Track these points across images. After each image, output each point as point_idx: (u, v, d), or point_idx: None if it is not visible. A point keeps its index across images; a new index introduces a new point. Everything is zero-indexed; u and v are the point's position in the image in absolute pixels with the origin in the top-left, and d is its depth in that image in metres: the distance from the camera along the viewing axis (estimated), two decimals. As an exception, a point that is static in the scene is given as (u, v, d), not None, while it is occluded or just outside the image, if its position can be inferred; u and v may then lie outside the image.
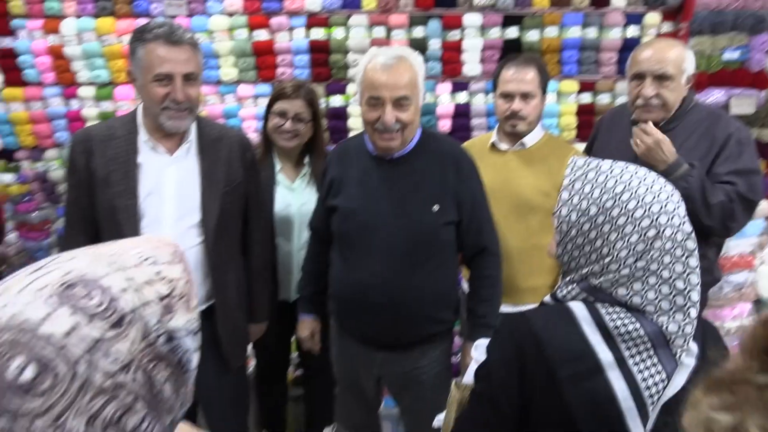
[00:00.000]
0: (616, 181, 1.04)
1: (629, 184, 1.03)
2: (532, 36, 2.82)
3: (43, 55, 2.94)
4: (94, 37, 2.90)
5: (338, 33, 2.87)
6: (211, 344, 1.84)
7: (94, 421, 0.53)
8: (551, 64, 2.84)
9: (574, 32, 2.80)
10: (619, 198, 1.01)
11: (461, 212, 1.80)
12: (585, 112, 2.89)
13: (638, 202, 1.00)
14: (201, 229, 1.76)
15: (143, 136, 1.74)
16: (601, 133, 2.28)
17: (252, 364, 2.70)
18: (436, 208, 1.77)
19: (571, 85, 2.87)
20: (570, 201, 1.08)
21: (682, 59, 1.92)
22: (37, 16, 2.93)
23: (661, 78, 1.92)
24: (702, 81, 2.70)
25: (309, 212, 2.23)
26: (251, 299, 2.02)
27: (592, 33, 2.80)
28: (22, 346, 0.51)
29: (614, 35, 2.78)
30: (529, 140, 2.16)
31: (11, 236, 3.10)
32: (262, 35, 2.89)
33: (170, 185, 1.73)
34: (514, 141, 2.17)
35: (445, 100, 2.93)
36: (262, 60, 2.93)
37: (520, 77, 2.07)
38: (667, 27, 2.78)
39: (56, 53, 2.93)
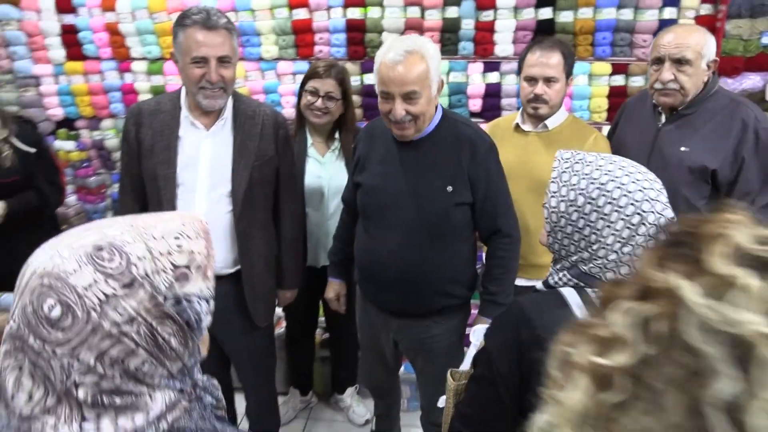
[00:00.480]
0: (602, 173, 1.12)
1: (614, 174, 1.11)
2: (565, 17, 2.83)
3: (100, 32, 3.16)
4: (147, 14, 3.09)
5: (374, 12, 2.96)
6: (238, 305, 2.02)
7: (102, 357, 0.66)
8: (584, 45, 2.85)
9: (609, 13, 2.79)
10: (605, 188, 1.09)
11: (475, 194, 1.88)
12: (617, 95, 2.89)
13: (623, 192, 1.08)
14: (231, 199, 1.92)
15: (185, 112, 1.91)
16: (625, 116, 2.31)
17: (283, 326, 2.91)
18: (449, 189, 1.85)
19: (604, 67, 2.87)
20: (558, 192, 1.16)
21: (702, 44, 1.93)
22: (95, -5, 3.14)
23: (679, 62, 1.94)
24: (738, 65, 2.66)
25: (337, 184, 2.38)
26: (280, 267, 2.18)
27: (627, 14, 2.79)
28: (55, 291, 0.65)
29: (650, 17, 2.76)
30: (552, 122, 2.20)
31: (71, 199, 3.39)
32: (301, 14, 3.01)
33: (205, 157, 1.89)
34: (537, 123, 2.22)
35: (477, 80, 2.99)
36: (301, 38, 3.05)
37: (544, 61, 2.11)
38: (705, 9, 2.73)
39: (112, 30, 3.14)
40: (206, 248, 0.77)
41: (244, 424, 2.56)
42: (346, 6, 2.98)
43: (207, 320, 0.78)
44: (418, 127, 1.82)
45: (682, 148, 2.02)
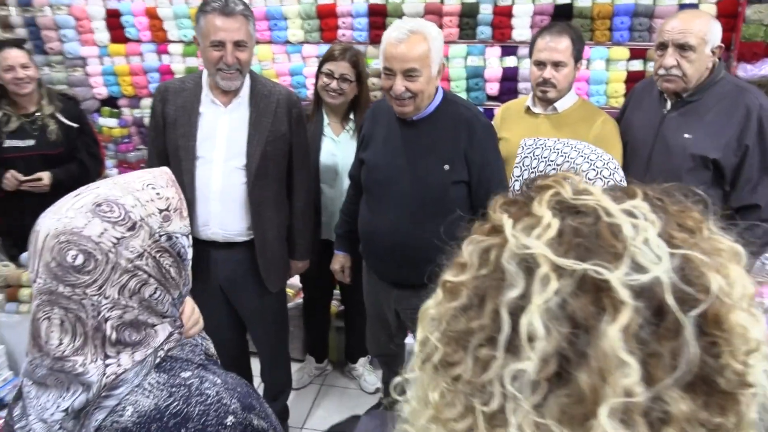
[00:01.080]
0: (558, 155, 1.21)
1: (570, 156, 1.21)
2: (583, 1, 2.85)
3: (141, 16, 3.38)
4: (183, 1, 3.28)
5: (395, -3, 3.06)
6: (252, 271, 2.19)
7: (123, 290, 0.82)
8: (602, 30, 2.86)
9: (628, -2, 2.79)
10: (560, 168, 1.18)
11: (471, 173, 1.97)
12: (635, 80, 2.87)
13: (576, 171, 1.17)
14: (245, 171, 2.08)
15: (205, 91, 2.08)
16: (633, 101, 2.33)
17: (302, 296, 3.08)
18: (446, 167, 1.96)
19: (622, 52, 2.88)
20: (521, 176, 1.26)
21: (705, 30, 1.95)
22: (137, -19, 3.35)
23: (682, 48, 1.96)
24: (759, 51, 2.63)
25: (350, 162, 2.51)
26: (292, 237, 2.34)
27: (646, -1, 2.78)
28: (73, 244, 0.79)
29: (670, 1, 2.75)
30: (561, 105, 2.25)
31: (113, 172, 3.65)
32: (325, -1, 3.14)
33: (222, 132, 2.06)
34: (547, 105, 2.27)
35: (494, 64, 3.05)
36: (325, 22, 3.18)
37: (552, 46, 2.15)
38: (727, -7, 2.70)
39: (152, 14, 3.36)
40: (177, 193, 0.91)
41: (260, 390, 2.75)
42: (368, -9, 3.08)
43: (190, 253, 0.92)
44: (416, 104, 1.92)
45: (686, 135, 2.04)
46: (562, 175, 0.55)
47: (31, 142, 2.68)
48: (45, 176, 2.62)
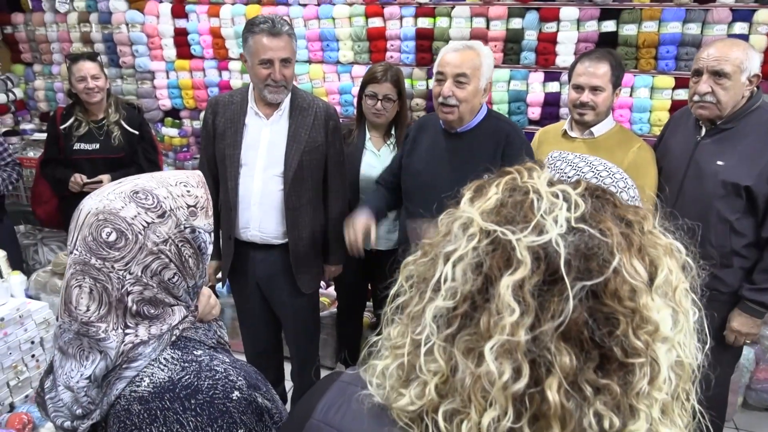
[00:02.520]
0: (572, 168, 1.26)
1: (582, 171, 1.25)
2: (629, 30, 2.85)
3: (205, 34, 3.64)
4: (244, 20, 3.50)
5: (442, 22, 3.16)
6: (286, 271, 2.31)
7: (146, 270, 0.91)
8: (647, 58, 2.85)
9: (674, 27, 2.78)
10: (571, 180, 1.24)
11: None
12: (679, 109, 2.85)
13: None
14: (282, 179, 2.21)
15: (251, 104, 2.23)
16: (671, 127, 2.32)
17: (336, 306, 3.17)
18: (486, 177, 2.02)
19: (667, 81, 2.86)
20: None
21: (742, 59, 1.93)
22: (204, 3, 3.62)
23: (717, 75, 1.94)
24: (812, 83, 2.54)
25: None
26: (326, 243, 2.44)
27: (693, 29, 2.76)
28: (109, 222, 0.89)
29: (718, 32, 2.71)
30: (598, 130, 2.26)
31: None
32: (376, 22, 3.28)
33: (264, 142, 2.21)
34: (584, 130, 2.29)
35: (537, 89, 3.09)
36: (374, 44, 3.32)
37: (592, 71, 2.18)
38: (781, 24, 2.64)
39: (215, 33, 3.61)
40: (205, 194, 1.01)
41: (290, 393, 2.84)
42: (417, 16, 3.20)
43: (209, 249, 1.01)
44: (460, 113, 2.02)
45: (719, 162, 2.01)
46: (528, 165, 0.64)
47: (96, 146, 2.93)
48: (105, 179, 2.85)
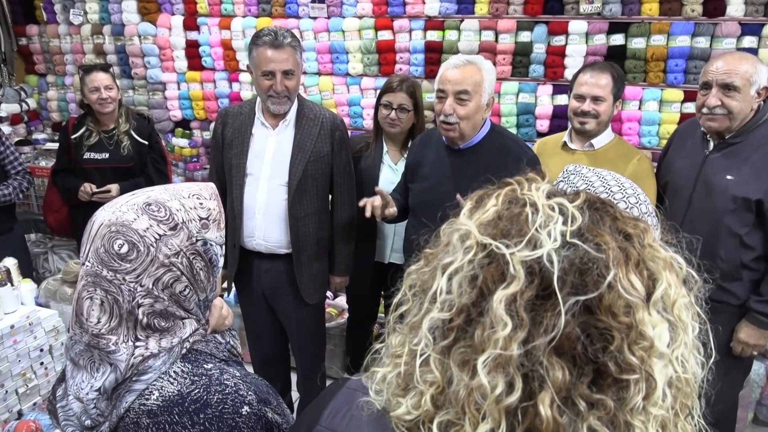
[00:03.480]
0: (583, 182, 1.26)
1: (594, 185, 1.25)
2: (637, 43, 2.86)
3: (216, 46, 3.68)
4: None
5: (451, 35, 3.18)
6: (291, 281, 2.31)
7: (158, 282, 0.91)
8: (655, 71, 2.85)
9: (683, 41, 2.78)
10: None
11: None
12: (689, 122, 2.85)
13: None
14: (286, 188, 2.22)
15: (258, 114, 2.26)
16: (676, 141, 2.31)
17: (346, 317, 3.16)
18: (488, 188, 2.02)
19: (675, 94, 2.86)
20: None
21: (751, 72, 1.93)
22: (215, 15, 3.66)
23: (727, 88, 1.94)
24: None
25: None
26: (333, 253, 2.44)
27: (702, 42, 2.76)
28: (122, 234, 0.89)
29: (727, 45, 2.71)
30: (598, 142, 2.28)
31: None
32: (385, 35, 3.31)
33: (269, 152, 2.23)
34: (584, 142, 2.30)
35: (545, 102, 3.09)
36: (383, 57, 3.35)
37: (593, 81, 2.21)
38: (790, 38, 2.64)
39: (226, 45, 3.65)
40: (218, 206, 1.01)
41: (296, 403, 2.83)
42: (426, 29, 3.23)
43: (221, 262, 1.01)
44: (461, 130, 2.01)
45: (728, 177, 2.01)
46: (530, 176, 0.65)
47: (105, 155, 2.96)
48: (114, 189, 2.87)
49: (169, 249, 0.90)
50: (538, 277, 0.53)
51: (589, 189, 1.28)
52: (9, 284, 2.20)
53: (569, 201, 0.58)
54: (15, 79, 4.18)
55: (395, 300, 0.66)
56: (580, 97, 2.24)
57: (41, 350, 2.20)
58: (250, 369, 2.68)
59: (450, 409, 0.54)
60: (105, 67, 3.02)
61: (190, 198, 0.96)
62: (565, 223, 0.55)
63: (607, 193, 1.28)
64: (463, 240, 0.59)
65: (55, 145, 3.42)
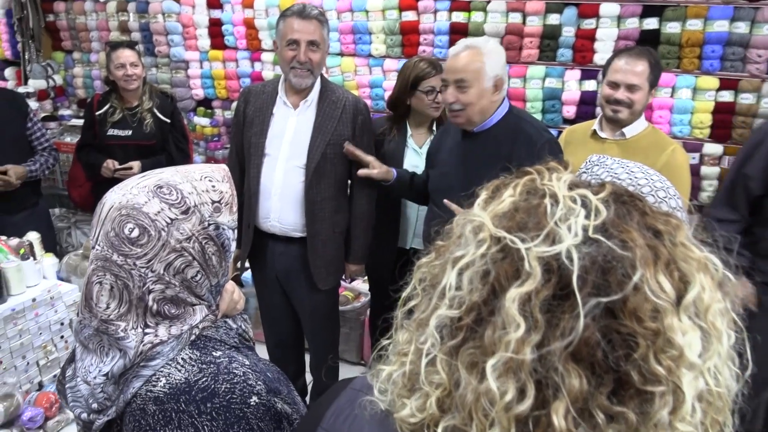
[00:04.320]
0: (608, 173, 1.21)
1: (619, 177, 1.20)
2: (672, 27, 2.75)
3: (239, 25, 3.65)
4: (278, 11, 3.50)
5: (477, 17, 3.10)
6: (305, 266, 2.29)
7: (169, 268, 0.88)
8: (690, 57, 2.75)
9: (721, 26, 2.66)
10: None
11: None
12: (723, 111, 2.75)
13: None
14: (304, 170, 2.20)
15: (281, 94, 2.23)
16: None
17: (362, 300, 3.16)
18: (504, 177, 1.97)
19: (711, 82, 2.75)
20: None
21: None
22: (239, -7, 3.63)
23: None
24: None
25: None
26: (349, 241, 2.41)
27: (741, 28, 2.64)
28: (132, 218, 0.85)
29: (768, 31, 2.60)
30: (630, 131, 2.19)
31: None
32: (409, 16, 3.24)
33: (289, 132, 2.20)
34: (615, 130, 2.21)
35: (572, 87, 3.01)
36: (407, 38, 3.28)
37: (629, 68, 2.11)
38: (837, 25, 2.51)
39: (249, 24, 3.62)
40: (230, 189, 0.97)
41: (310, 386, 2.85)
42: (451, 10, 3.15)
43: (233, 246, 0.98)
44: (467, 116, 1.96)
45: None
46: (549, 165, 0.60)
47: (128, 132, 2.98)
48: (135, 165, 2.89)
49: (181, 234, 0.87)
50: (556, 275, 0.48)
51: (614, 181, 1.23)
52: (32, 258, 2.23)
53: (593, 193, 0.53)
54: (42, 55, 4.22)
55: (404, 294, 0.62)
56: (614, 85, 2.14)
57: (62, 324, 2.23)
58: (263, 349, 2.72)
59: (456, 413, 0.51)
60: (131, 45, 3.02)
61: (202, 180, 0.93)
62: (587, 216, 0.50)
63: (634, 185, 1.22)
64: (476, 232, 0.54)
65: (80, 122, 3.44)
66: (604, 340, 0.47)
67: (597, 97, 2.95)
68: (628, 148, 2.18)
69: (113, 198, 0.89)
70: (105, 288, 0.86)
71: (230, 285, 1.12)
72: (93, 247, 0.88)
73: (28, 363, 2.10)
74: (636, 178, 1.23)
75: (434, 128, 2.67)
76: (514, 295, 0.48)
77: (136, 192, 0.88)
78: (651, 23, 2.79)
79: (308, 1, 3.38)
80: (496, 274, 0.51)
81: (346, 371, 2.99)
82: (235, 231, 0.98)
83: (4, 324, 1.98)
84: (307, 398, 2.74)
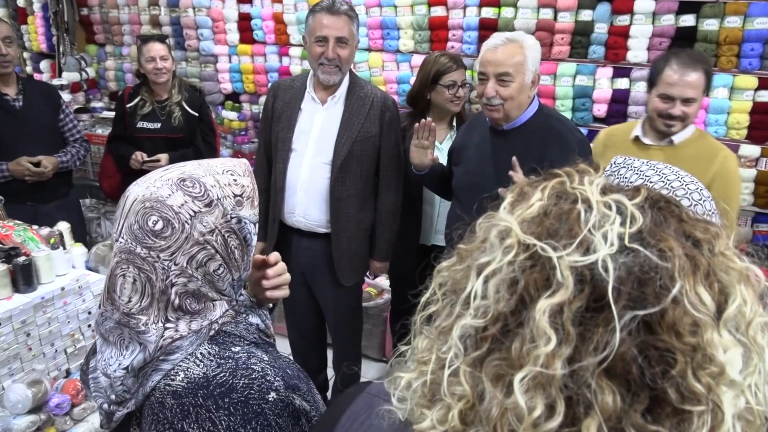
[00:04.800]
0: (638, 176, 1.18)
1: (650, 179, 1.16)
2: (710, 25, 2.66)
3: (268, 20, 3.66)
4: (306, 6, 3.50)
5: (507, 12, 3.05)
6: (329, 262, 2.30)
7: (192, 261, 0.88)
8: (728, 56, 2.66)
9: (762, 23, 2.57)
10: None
11: None
12: (761, 112, 2.66)
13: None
14: (330, 166, 2.20)
15: (309, 89, 2.23)
16: None
17: (385, 297, 3.15)
18: (532, 178, 1.93)
19: (749, 81, 2.65)
20: None
21: None
22: (268, -12, 3.64)
23: None
24: None
25: None
26: (374, 237, 2.41)
27: (784, 25, 2.55)
28: (156, 210, 0.86)
29: (812, 29, 2.50)
30: (679, 137, 2.03)
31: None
32: (438, 11, 3.21)
33: (316, 128, 2.20)
34: (662, 137, 2.06)
35: (604, 85, 2.94)
36: (435, 34, 3.25)
37: (685, 80, 1.94)
38: None
39: (278, 18, 3.63)
40: (252, 183, 0.97)
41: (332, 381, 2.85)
42: (481, 5, 3.11)
43: (254, 240, 0.98)
44: (506, 111, 1.93)
45: None
46: (581, 167, 0.57)
47: (157, 125, 3.02)
48: (163, 158, 2.92)
49: (204, 226, 0.87)
50: (589, 285, 0.46)
51: (648, 185, 1.19)
52: (61, 247, 2.27)
53: (628, 198, 0.50)
54: (76, 48, 4.30)
55: (423, 299, 0.60)
56: (669, 98, 1.97)
57: (89, 313, 2.27)
58: (286, 343, 2.73)
59: (480, 427, 0.48)
60: (162, 38, 3.06)
61: (224, 174, 0.93)
62: (623, 224, 0.48)
63: (667, 189, 1.18)
64: (503, 238, 0.52)
65: (112, 114, 3.50)
66: (640, 355, 0.44)
67: (629, 96, 2.89)
68: (676, 156, 1.97)
69: (136, 191, 0.89)
70: (128, 281, 0.86)
71: (277, 260, 1.12)
72: (116, 240, 0.88)
73: (56, 350, 2.15)
74: (669, 180, 1.19)
75: (454, 124, 2.65)
76: (544, 306, 0.46)
77: (159, 185, 0.88)
78: (688, 20, 2.70)
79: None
80: (525, 283, 0.48)
81: (367, 367, 2.99)
82: (256, 225, 0.97)
83: (34, 312, 2.03)
84: (329, 393, 2.75)
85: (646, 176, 1.21)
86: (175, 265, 0.86)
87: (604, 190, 0.52)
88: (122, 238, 0.87)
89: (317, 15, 2.10)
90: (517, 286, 0.49)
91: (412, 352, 0.59)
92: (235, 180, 0.93)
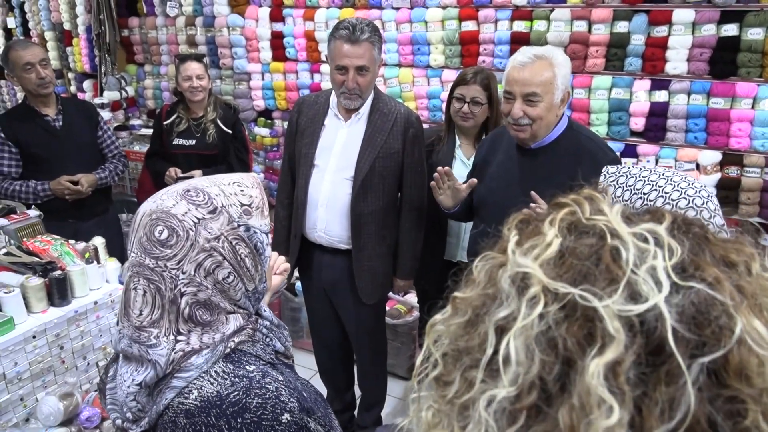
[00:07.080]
0: (645, 183, 1.12)
1: (658, 184, 1.10)
2: (754, 34, 2.56)
3: (300, 38, 3.71)
4: (338, 24, 3.54)
5: (540, 26, 3.01)
6: (350, 279, 2.27)
7: (199, 268, 0.88)
8: (774, 66, 2.54)
9: (810, 32, 2.46)
10: (648, 197, 1.09)
11: None
12: (811, 124, 2.53)
13: (666, 200, 1.07)
14: (351, 182, 2.18)
15: (332, 105, 2.23)
16: None
17: (414, 315, 3.10)
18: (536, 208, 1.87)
19: (797, 92, 2.53)
20: None
21: None
22: (300, 7, 3.69)
23: None
24: None
25: None
26: (398, 255, 2.37)
27: (834, 33, 2.43)
28: (161, 220, 0.88)
29: None
30: None
31: (260, 177, 4.01)
32: (469, 26, 3.18)
33: (339, 144, 2.19)
34: None
35: (641, 98, 2.85)
36: (466, 48, 3.22)
37: None
38: None
39: (309, 36, 3.67)
40: (261, 194, 0.98)
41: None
42: (512, 19, 3.07)
43: (268, 251, 0.98)
44: (533, 131, 1.86)
45: None
46: (586, 193, 0.50)
47: (192, 142, 3.07)
48: (197, 174, 2.96)
49: (209, 233, 0.88)
50: (641, 335, 0.39)
51: (656, 192, 1.11)
52: (95, 262, 2.31)
53: (655, 223, 0.44)
54: (117, 68, 4.45)
55: (419, 359, 0.52)
56: None
57: (121, 327, 2.30)
58: (312, 360, 2.70)
59: None
60: (199, 57, 3.13)
61: (230, 185, 0.95)
62: (665, 257, 0.41)
63: (668, 203, 1.10)
64: (522, 286, 0.44)
65: (149, 131, 3.59)
66: (714, 410, 0.37)
67: (668, 109, 2.80)
68: None
69: (145, 206, 0.92)
70: (139, 293, 0.87)
71: (273, 255, 1.12)
72: (129, 256, 0.91)
73: (88, 363, 2.18)
74: (666, 193, 1.11)
75: (482, 139, 2.59)
76: (596, 367, 0.38)
77: (165, 197, 0.91)
78: (730, 29, 2.61)
79: (367, 14, 3.41)
80: (564, 340, 0.41)
81: (394, 386, 2.94)
82: (269, 236, 0.97)
83: (68, 325, 2.06)
84: (355, 412, 2.70)
85: (653, 182, 1.14)
86: (183, 273, 0.87)
87: (628, 219, 0.46)
88: (133, 252, 0.89)
89: (337, 42, 2.07)
90: (553, 343, 0.41)
91: (416, 427, 0.51)
92: (242, 190, 0.94)
